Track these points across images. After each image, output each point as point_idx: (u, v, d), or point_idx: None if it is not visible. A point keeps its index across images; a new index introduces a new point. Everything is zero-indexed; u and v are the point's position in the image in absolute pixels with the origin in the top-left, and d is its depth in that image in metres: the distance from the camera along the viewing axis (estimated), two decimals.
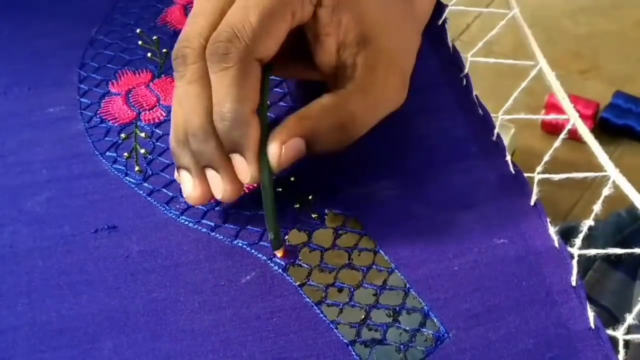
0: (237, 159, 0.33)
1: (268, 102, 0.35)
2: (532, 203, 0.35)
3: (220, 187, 0.34)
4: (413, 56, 0.38)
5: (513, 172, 0.37)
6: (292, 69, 0.39)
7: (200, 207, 0.36)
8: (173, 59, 0.34)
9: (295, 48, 0.36)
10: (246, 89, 0.32)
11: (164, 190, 0.37)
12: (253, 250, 0.34)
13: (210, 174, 0.34)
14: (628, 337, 0.29)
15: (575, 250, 0.32)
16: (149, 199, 0.37)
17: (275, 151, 0.33)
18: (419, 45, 0.39)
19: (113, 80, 0.43)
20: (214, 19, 0.33)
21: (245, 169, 0.33)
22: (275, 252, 0.34)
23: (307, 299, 0.32)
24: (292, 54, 0.36)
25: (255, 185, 0.37)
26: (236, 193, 0.34)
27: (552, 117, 0.39)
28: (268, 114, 0.35)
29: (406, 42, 0.38)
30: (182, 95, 0.34)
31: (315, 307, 0.32)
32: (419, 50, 0.39)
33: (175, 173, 0.36)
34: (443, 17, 0.44)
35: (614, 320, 0.30)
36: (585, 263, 0.32)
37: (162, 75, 0.43)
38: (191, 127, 0.33)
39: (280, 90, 0.42)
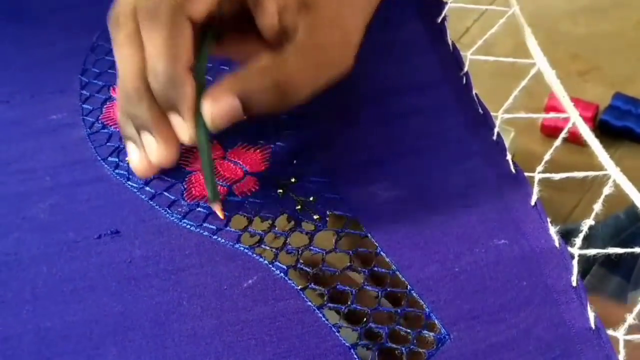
0: (174, 118, 0.34)
1: (207, 65, 0.35)
2: (532, 203, 0.35)
3: (154, 151, 0.34)
4: (360, 18, 0.38)
5: (514, 171, 0.37)
6: (243, 48, 0.38)
7: (201, 210, 0.36)
8: (109, 25, 0.34)
9: (247, 27, 0.36)
10: (178, 47, 0.33)
11: (165, 194, 0.37)
12: (254, 255, 0.34)
13: (146, 138, 0.34)
14: (629, 337, 0.29)
15: (575, 250, 0.32)
16: (151, 203, 0.37)
17: (208, 108, 0.33)
18: (368, 13, 0.39)
19: (114, 86, 0.43)
20: None
21: (183, 128, 0.33)
22: (212, 206, 0.35)
23: (309, 303, 0.32)
24: (249, 36, 0.37)
25: (256, 187, 0.37)
26: (171, 156, 0.34)
27: (552, 115, 0.39)
28: (206, 76, 0.35)
29: (350, 7, 0.37)
30: (117, 60, 0.34)
31: (317, 310, 0.32)
32: (371, 21, 0.39)
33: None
34: (442, 15, 0.44)
35: None
36: (583, 267, 0.32)
37: None
38: (125, 91, 0.33)
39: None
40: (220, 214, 0.35)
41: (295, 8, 0.35)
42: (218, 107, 0.33)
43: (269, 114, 0.35)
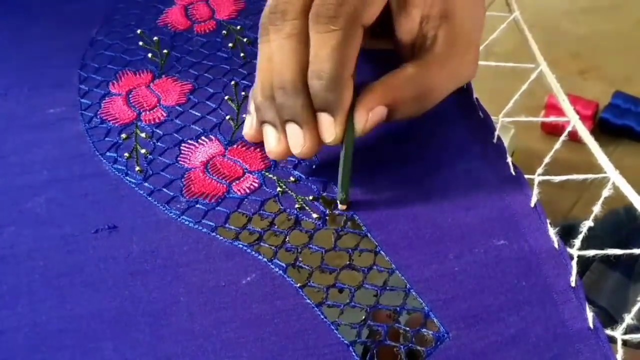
0: (324, 118, 0.34)
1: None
2: (532, 204, 0.35)
3: (300, 142, 0.35)
4: (480, 34, 0.39)
5: (514, 173, 0.37)
6: (367, 39, 0.39)
7: (200, 206, 0.36)
8: (270, 13, 0.34)
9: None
10: (349, 54, 0.34)
11: (164, 190, 0.37)
12: (253, 252, 0.34)
13: (292, 128, 0.35)
14: (627, 337, 0.29)
15: (574, 251, 0.32)
16: (150, 199, 0.37)
17: (363, 117, 0.35)
18: (484, 21, 0.40)
19: (113, 81, 0.43)
20: None
21: (331, 129, 0.34)
22: (340, 207, 0.36)
23: (308, 300, 0.32)
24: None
25: (256, 185, 0.37)
26: (314, 151, 0.35)
27: (552, 119, 0.39)
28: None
29: (479, 19, 0.39)
30: (276, 49, 0.34)
31: (316, 308, 0.32)
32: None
33: (246, 126, 0.37)
34: None
35: (611, 320, 0.31)
36: (583, 263, 0.33)
37: (163, 76, 0.43)
38: (281, 81, 0.34)
39: None
40: (343, 209, 0.36)
41: (437, 19, 0.36)
42: (371, 117, 0.35)
43: (404, 119, 0.37)
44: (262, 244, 0.34)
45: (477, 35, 0.38)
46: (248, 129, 0.37)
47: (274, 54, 0.34)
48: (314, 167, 0.38)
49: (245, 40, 0.45)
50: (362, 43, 0.38)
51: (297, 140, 0.34)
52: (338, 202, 0.36)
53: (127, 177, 0.38)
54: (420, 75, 0.36)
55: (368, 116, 0.35)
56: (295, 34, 0.34)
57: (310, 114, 0.34)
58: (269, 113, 0.35)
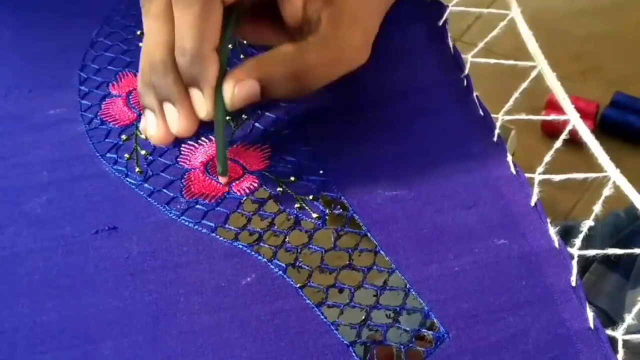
0: (195, 93, 0.35)
1: (230, 45, 0.36)
2: (532, 204, 0.35)
3: (175, 121, 0.35)
4: (377, 18, 0.40)
5: (514, 172, 0.37)
6: (262, 34, 0.40)
7: (200, 207, 0.36)
8: None
9: (268, 15, 0.38)
10: (208, 27, 0.34)
11: (164, 190, 0.37)
12: (253, 252, 0.34)
13: (168, 108, 0.35)
14: (627, 337, 0.29)
15: (575, 251, 0.32)
16: (150, 199, 0.37)
17: (229, 89, 0.35)
18: (384, 8, 0.41)
19: (114, 82, 0.43)
20: None
21: (202, 104, 0.35)
22: (221, 179, 0.37)
23: (308, 301, 0.32)
24: (265, 20, 0.38)
25: (255, 185, 0.37)
26: (191, 129, 0.35)
27: (552, 117, 0.39)
28: (229, 56, 0.36)
29: (370, 3, 0.39)
30: (146, 31, 0.35)
31: (315, 308, 0.32)
32: (387, 15, 0.40)
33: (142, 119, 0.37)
34: (444, 18, 0.44)
35: (610, 321, 0.31)
36: (582, 265, 0.33)
37: None
38: (152, 62, 0.35)
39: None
40: (224, 183, 0.37)
41: (319, 2, 0.36)
42: (239, 89, 0.35)
43: (283, 99, 0.37)
44: (261, 244, 0.34)
45: (366, 19, 0.38)
46: (142, 123, 0.38)
47: (146, 35, 0.35)
48: (313, 166, 0.38)
49: (245, 41, 0.45)
50: (267, 38, 0.38)
51: (173, 120, 0.35)
52: (219, 175, 0.37)
53: (127, 178, 0.38)
54: (297, 54, 0.36)
55: (235, 89, 0.35)
56: (159, 14, 0.34)
57: (183, 91, 0.35)
58: (148, 98, 0.35)
